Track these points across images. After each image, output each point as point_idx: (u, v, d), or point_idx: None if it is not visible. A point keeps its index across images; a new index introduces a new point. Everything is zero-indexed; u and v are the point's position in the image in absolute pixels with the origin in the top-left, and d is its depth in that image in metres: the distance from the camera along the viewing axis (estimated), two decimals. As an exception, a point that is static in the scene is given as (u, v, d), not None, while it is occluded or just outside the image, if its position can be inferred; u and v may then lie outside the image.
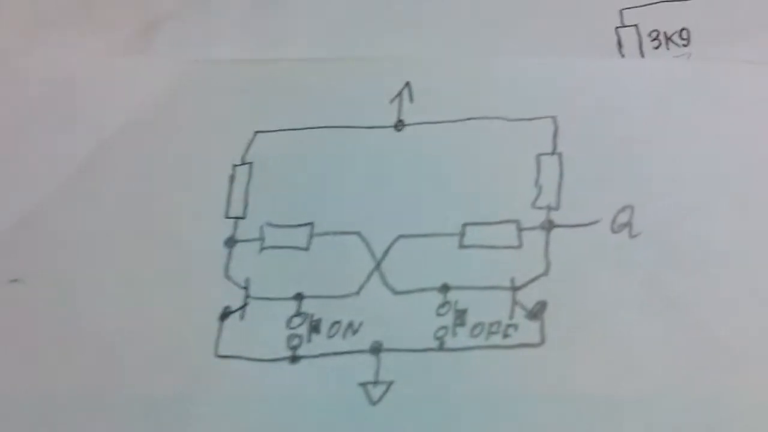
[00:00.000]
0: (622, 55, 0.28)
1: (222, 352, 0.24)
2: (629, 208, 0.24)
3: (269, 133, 0.27)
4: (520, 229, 0.25)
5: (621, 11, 0.29)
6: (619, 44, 0.29)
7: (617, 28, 0.29)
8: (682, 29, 0.29)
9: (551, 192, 0.25)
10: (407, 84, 0.27)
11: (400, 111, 0.27)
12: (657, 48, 0.28)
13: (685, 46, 0.29)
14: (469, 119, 0.26)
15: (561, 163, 0.25)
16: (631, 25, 0.29)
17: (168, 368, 0.24)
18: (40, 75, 0.29)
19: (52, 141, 0.28)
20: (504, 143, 0.26)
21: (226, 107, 0.28)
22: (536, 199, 0.25)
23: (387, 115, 0.27)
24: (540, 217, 0.25)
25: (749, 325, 0.23)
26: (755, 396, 0.22)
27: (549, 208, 0.25)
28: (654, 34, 0.29)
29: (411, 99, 0.27)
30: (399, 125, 0.27)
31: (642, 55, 0.28)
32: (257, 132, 0.27)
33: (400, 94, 0.27)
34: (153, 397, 0.24)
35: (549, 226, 0.25)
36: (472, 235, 0.25)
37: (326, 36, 0.29)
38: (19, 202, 0.27)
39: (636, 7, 0.29)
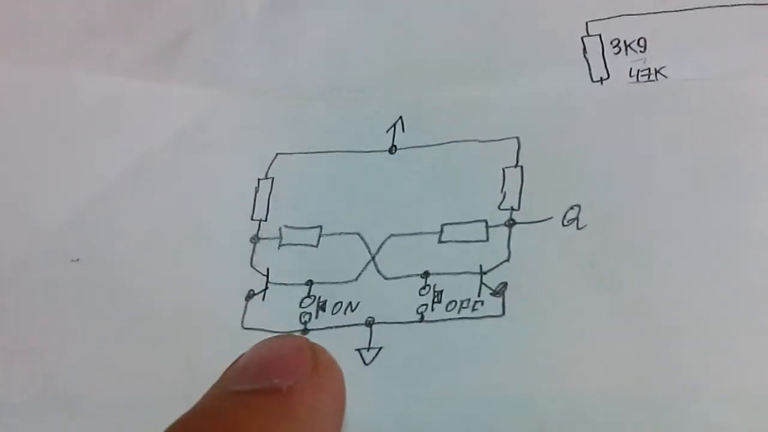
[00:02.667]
0: (587, 59, 0.32)
1: (247, 325, 0.29)
2: (577, 206, 0.28)
3: (288, 155, 0.32)
4: (487, 227, 0.29)
5: (587, 23, 0.33)
6: (584, 51, 0.32)
7: (583, 37, 0.33)
8: (640, 38, 0.32)
9: (514, 197, 0.29)
10: (400, 117, 0.32)
11: (394, 138, 0.31)
12: (617, 54, 0.32)
13: (642, 52, 0.32)
14: (449, 142, 0.31)
15: (522, 174, 0.29)
16: (595, 35, 0.33)
17: (204, 337, 0.28)
18: (89, 90, 0.34)
19: (102, 149, 0.33)
20: (476, 160, 0.30)
21: (253, 133, 0.32)
22: (501, 202, 0.29)
23: (383, 142, 0.31)
24: (504, 216, 0.29)
25: (680, 303, 0.26)
26: (685, 368, 0.25)
27: (512, 209, 0.29)
28: (615, 42, 0.32)
29: (403, 129, 0.31)
30: (392, 149, 0.31)
31: (604, 60, 0.32)
32: (278, 153, 0.32)
33: (394, 126, 0.32)
34: (191, 360, 0.28)
35: (511, 223, 0.29)
36: (449, 232, 0.29)
37: (331, 71, 0.34)
38: (76, 198, 0.31)
39: (600, 19, 0.33)
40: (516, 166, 0.30)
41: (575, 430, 0.25)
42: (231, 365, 0.23)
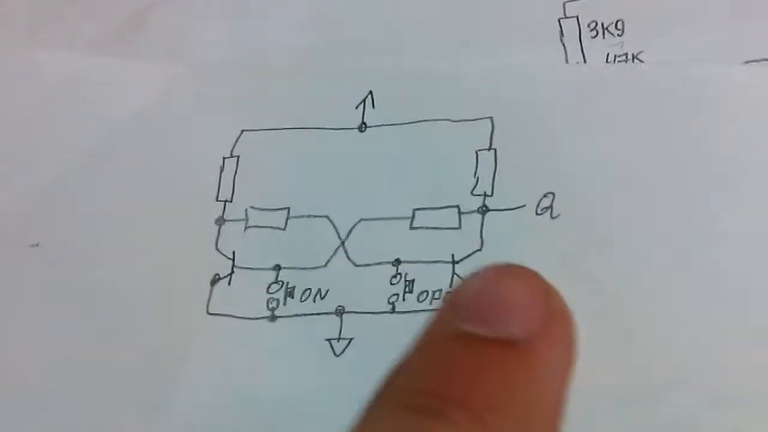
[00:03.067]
0: (563, 44, 0.31)
1: (212, 311, 0.28)
2: (551, 194, 0.28)
3: (254, 132, 0.31)
4: (460, 213, 0.28)
5: (564, 4, 0.32)
6: (561, 34, 0.31)
7: (560, 19, 0.32)
8: (618, 20, 0.31)
9: (487, 182, 0.28)
10: (370, 93, 0.31)
11: (363, 115, 0.30)
12: (594, 37, 0.31)
13: (619, 35, 0.31)
14: (420, 121, 0.30)
15: (496, 158, 0.29)
16: (572, 17, 0.32)
17: (168, 322, 0.28)
18: (51, 69, 0.33)
19: (64, 129, 0.32)
20: (449, 141, 0.29)
21: (217, 109, 0.31)
22: (474, 187, 0.28)
23: (353, 119, 0.31)
24: (477, 203, 0.28)
25: (651, 296, 0.26)
26: (655, 363, 0.25)
27: (485, 195, 0.28)
28: (592, 25, 0.31)
29: (373, 105, 0.31)
30: (362, 127, 0.30)
31: (581, 44, 0.31)
32: (243, 130, 0.31)
33: (363, 101, 0.31)
34: (156, 344, 0.28)
35: (484, 210, 0.28)
36: (421, 218, 0.28)
37: (302, 43, 0.32)
38: (37, 180, 0.31)
39: (577, 0, 0.32)
40: (489, 149, 0.29)
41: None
42: (455, 291, 0.21)
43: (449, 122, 0.30)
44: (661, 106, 0.28)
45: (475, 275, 0.21)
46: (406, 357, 0.21)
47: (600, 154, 0.28)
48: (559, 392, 0.20)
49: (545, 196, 0.28)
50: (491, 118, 0.29)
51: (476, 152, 0.29)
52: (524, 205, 0.28)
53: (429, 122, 0.30)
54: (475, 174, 0.29)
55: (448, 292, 0.22)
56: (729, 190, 0.27)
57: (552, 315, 0.20)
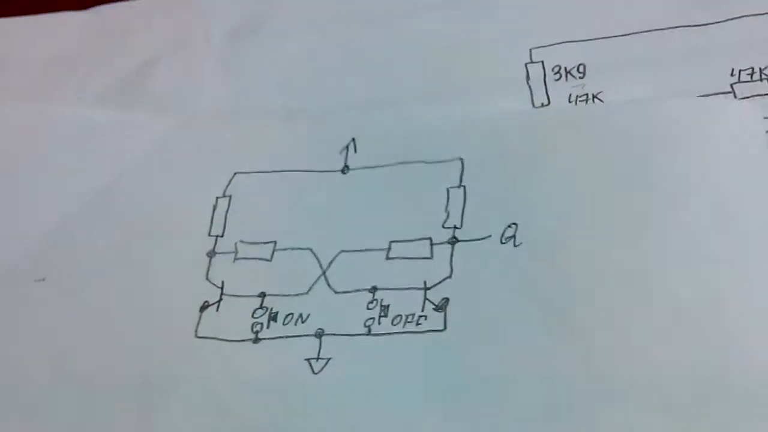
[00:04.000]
0: (529, 86, 0.33)
1: (200, 334, 0.30)
2: (514, 225, 0.30)
3: (245, 174, 0.33)
4: (432, 244, 0.30)
5: (530, 50, 0.35)
6: (528, 77, 0.34)
7: (527, 64, 0.34)
8: (580, 65, 0.34)
9: (457, 215, 0.31)
10: (353, 139, 0.33)
11: (346, 159, 0.33)
12: (558, 80, 0.34)
13: (581, 78, 0.33)
14: (398, 164, 0.32)
15: (465, 194, 0.31)
16: (538, 62, 0.34)
17: (160, 344, 0.30)
18: (61, 120, 0.36)
19: (72, 174, 0.34)
20: (423, 180, 0.32)
21: (213, 154, 0.34)
22: (445, 221, 0.31)
23: (336, 162, 0.33)
24: (448, 234, 0.30)
25: (605, 315, 0.28)
26: (608, 377, 0.27)
27: (454, 228, 0.30)
28: (556, 69, 0.34)
29: (355, 150, 0.33)
30: (345, 170, 0.33)
31: (545, 86, 0.33)
32: (236, 173, 0.33)
33: (347, 147, 0.33)
34: (147, 365, 0.29)
35: (454, 241, 0.30)
36: (396, 249, 0.31)
37: (291, 95, 0.35)
38: (45, 221, 0.33)
39: (542, 46, 0.35)
40: (459, 186, 0.31)
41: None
42: None
43: (424, 164, 0.32)
44: (615, 141, 0.31)
45: None
46: None
47: (559, 187, 0.30)
48: None
49: (509, 226, 0.30)
50: (461, 159, 0.32)
51: (447, 189, 0.31)
52: (490, 235, 0.30)
53: (405, 164, 0.32)
54: (446, 209, 0.31)
55: None
56: (674, 214, 0.29)
57: None
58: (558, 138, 0.31)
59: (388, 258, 0.31)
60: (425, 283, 0.30)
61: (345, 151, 0.33)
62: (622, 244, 0.29)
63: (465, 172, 0.32)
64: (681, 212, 0.29)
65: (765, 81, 0.32)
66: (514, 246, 0.30)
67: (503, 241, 0.30)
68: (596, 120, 0.31)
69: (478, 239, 0.30)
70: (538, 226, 0.30)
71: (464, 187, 0.31)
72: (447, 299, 0.29)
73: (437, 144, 0.32)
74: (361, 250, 0.31)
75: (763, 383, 0.26)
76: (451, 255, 0.30)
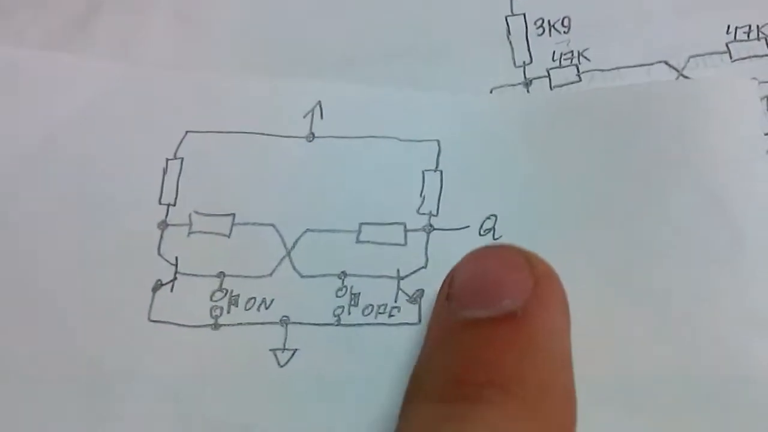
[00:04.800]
0: (510, 42, 0.31)
1: (154, 318, 0.27)
2: (494, 216, 0.29)
3: (199, 134, 0.30)
4: (406, 231, 0.29)
5: (511, 1, 0.32)
6: (508, 31, 0.32)
7: (507, 17, 0.32)
8: (564, 17, 0.32)
9: (433, 202, 0.29)
10: (319, 103, 0.31)
11: (311, 125, 0.30)
12: (540, 35, 0.32)
13: (565, 33, 0.32)
14: (368, 137, 0.30)
15: (442, 179, 0.29)
16: (519, 14, 0.32)
17: (108, 329, 0.27)
18: None
19: (5, 126, 0.30)
20: (396, 159, 0.30)
21: (161, 109, 0.30)
22: (420, 206, 0.29)
23: (301, 128, 0.30)
24: (423, 221, 0.29)
25: (590, 313, 0.26)
26: (593, 375, 0.25)
27: (430, 215, 0.29)
28: (539, 22, 0.32)
29: (321, 116, 0.30)
30: (310, 137, 0.30)
31: (527, 42, 0.31)
32: (188, 131, 0.30)
33: (312, 111, 0.31)
34: (96, 353, 0.27)
35: (429, 229, 0.29)
36: (367, 232, 0.29)
37: (251, 50, 0.32)
38: None
39: None
40: (436, 170, 0.30)
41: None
42: (446, 284, 0.22)
43: (397, 140, 0.30)
44: (599, 129, 0.29)
45: (461, 264, 0.23)
46: (423, 358, 0.22)
47: (541, 178, 0.29)
48: (560, 347, 0.22)
49: (488, 218, 0.29)
50: (438, 141, 0.30)
51: (423, 172, 0.29)
52: (468, 226, 0.29)
53: (377, 138, 0.30)
54: (421, 193, 0.29)
55: (442, 285, 0.23)
56: (664, 206, 0.28)
57: (539, 280, 0.22)
58: (543, 126, 0.30)
59: (358, 241, 0.29)
60: (398, 271, 0.28)
61: (310, 115, 0.31)
62: (610, 241, 0.28)
63: (441, 156, 0.30)
64: (672, 203, 0.28)
65: (762, 41, 0.31)
66: (494, 239, 0.28)
67: (482, 233, 0.28)
68: (583, 107, 0.30)
69: (456, 229, 0.29)
70: (518, 218, 0.29)
71: (441, 171, 0.29)
72: (422, 291, 0.28)
73: (413, 122, 0.30)
74: (328, 230, 0.29)
75: (758, 382, 0.26)
76: (426, 243, 0.28)
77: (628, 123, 0.29)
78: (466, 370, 0.21)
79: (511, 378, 0.21)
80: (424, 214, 0.29)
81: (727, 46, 0.31)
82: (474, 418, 0.20)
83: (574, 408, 0.22)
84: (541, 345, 0.21)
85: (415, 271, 0.28)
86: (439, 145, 0.30)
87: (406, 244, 0.29)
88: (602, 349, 0.27)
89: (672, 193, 0.28)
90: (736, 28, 0.31)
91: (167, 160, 0.30)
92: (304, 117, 0.30)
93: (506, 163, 0.29)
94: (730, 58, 0.31)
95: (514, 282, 0.22)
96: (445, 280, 0.23)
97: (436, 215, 0.29)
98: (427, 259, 0.28)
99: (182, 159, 0.30)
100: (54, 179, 0.29)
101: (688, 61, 0.31)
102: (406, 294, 0.28)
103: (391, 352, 0.27)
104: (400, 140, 0.30)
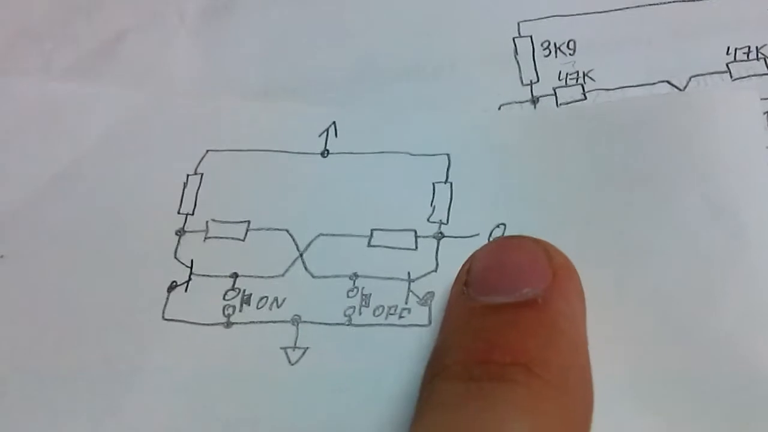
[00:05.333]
0: (517, 62, 0.33)
1: (168, 316, 0.28)
2: (502, 225, 0.29)
3: (218, 152, 0.31)
4: (417, 237, 0.29)
5: (518, 23, 0.34)
6: (516, 52, 0.33)
7: (514, 38, 0.33)
8: (570, 40, 0.33)
9: (443, 211, 0.30)
10: (333, 123, 0.32)
11: (326, 143, 0.32)
12: (547, 56, 0.33)
13: (571, 55, 0.33)
14: (381, 152, 0.31)
15: (451, 190, 0.30)
16: (526, 36, 0.33)
17: (124, 327, 0.28)
18: (26, 93, 0.33)
19: (36, 149, 0.32)
20: (408, 172, 0.30)
21: (183, 131, 0.32)
22: (431, 215, 0.30)
23: (316, 145, 0.31)
24: (433, 229, 0.29)
25: (596, 314, 0.25)
26: (597, 374, 0.25)
27: (440, 223, 0.29)
28: (545, 44, 0.33)
29: (336, 134, 0.32)
30: (325, 153, 0.31)
31: (534, 62, 0.32)
32: (208, 150, 0.31)
33: (327, 130, 0.32)
34: (112, 351, 0.27)
35: (440, 236, 0.29)
36: (378, 237, 0.29)
37: (270, 74, 0.34)
38: (6, 196, 0.31)
39: (531, 20, 0.34)
40: (446, 182, 0.30)
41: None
42: (463, 272, 0.23)
43: (408, 155, 0.31)
44: (603, 141, 0.30)
45: (479, 253, 0.23)
46: (443, 339, 0.22)
47: (548, 188, 0.30)
48: (578, 332, 0.23)
49: (497, 226, 0.29)
50: (448, 155, 0.31)
51: (433, 184, 0.30)
52: (478, 234, 0.29)
53: (389, 154, 0.31)
54: (431, 203, 0.30)
55: (459, 273, 0.24)
56: (667, 213, 0.28)
57: (557, 270, 0.22)
58: (549, 138, 0.31)
59: (370, 245, 0.29)
60: (409, 274, 0.28)
61: (325, 134, 0.32)
62: (613, 246, 0.28)
63: (451, 169, 0.31)
64: (677, 211, 0.28)
65: (762, 60, 0.32)
66: None
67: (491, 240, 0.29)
68: (588, 120, 0.31)
69: (466, 237, 0.29)
70: (527, 227, 0.28)
71: (451, 183, 0.30)
72: (432, 293, 0.28)
73: (423, 138, 0.31)
74: (341, 235, 0.29)
75: (759, 381, 0.25)
76: (437, 249, 0.29)
77: (632, 134, 0.30)
78: (491, 350, 0.21)
79: (535, 359, 0.21)
80: (434, 222, 0.29)
81: (727, 66, 0.32)
82: (500, 396, 0.20)
83: (592, 390, 0.22)
84: (562, 330, 0.22)
85: (425, 275, 0.28)
86: (449, 158, 0.31)
87: (416, 248, 0.29)
88: (608, 349, 0.26)
89: (676, 200, 0.28)
90: (736, 49, 0.32)
91: (188, 175, 0.31)
92: (319, 136, 0.32)
93: (514, 174, 0.30)
94: (731, 77, 0.32)
95: (534, 271, 0.22)
96: (462, 268, 0.24)
97: (446, 224, 0.29)
98: (437, 264, 0.29)
99: (202, 174, 0.31)
100: (80, 195, 0.31)
101: (690, 80, 0.32)
102: (417, 296, 0.28)
103: (400, 352, 0.27)
104: (412, 155, 0.31)
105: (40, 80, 0.34)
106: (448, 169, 0.31)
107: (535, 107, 0.32)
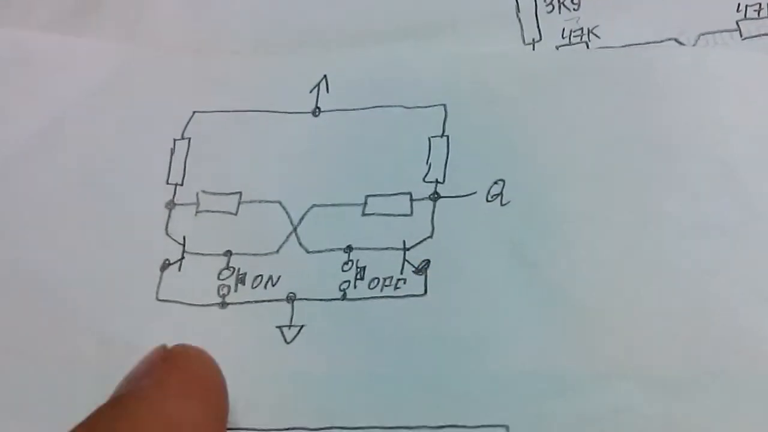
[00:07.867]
0: (519, 19, 0.31)
1: (161, 297, 0.28)
2: (501, 181, 0.28)
3: (206, 113, 0.30)
4: (412, 200, 0.28)
5: None
6: (518, 9, 0.31)
7: None
8: None
9: (439, 169, 0.29)
10: (324, 77, 0.30)
11: (317, 99, 0.30)
12: (550, 12, 0.31)
13: (575, 10, 0.31)
14: (374, 107, 0.30)
15: (448, 145, 0.29)
16: None
17: (116, 309, 0.28)
18: (2, 46, 0.32)
19: (13, 107, 0.31)
20: (402, 127, 0.29)
21: (169, 90, 0.31)
22: (426, 174, 0.28)
23: (306, 103, 0.30)
24: (429, 189, 0.28)
25: (597, 283, 0.26)
26: (599, 349, 0.26)
27: (436, 182, 0.28)
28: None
29: (327, 90, 0.30)
30: (316, 111, 0.30)
31: (536, 19, 0.31)
32: (195, 112, 0.30)
33: (318, 85, 0.30)
34: (104, 332, 0.27)
35: (436, 197, 0.28)
36: (373, 205, 0.28)
37: (257, 28, 0.32)
38: None
39: None
40: (442, 135, 0.29)
41: (492, 409, 0.25)
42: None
43: (403, 108, 0.30)
44: (609, 92, 0.29)
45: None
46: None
47: (550, 141, 0.28)
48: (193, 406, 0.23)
49: (496, 183, 0.28)
50: (444, 105, 0.29)
51: (429, 138, 0.29)
52: (475, 192, 0.28)
53: (383, 108, 0.30)
54: (427, 161, 0.29)
55: None
56: (675, 175, 0.27)
57: (167, 358, 0.24)
58: (552, 86, 0.29)
59: (364, 214, 0.28)
60: (404, 242, 0.28)
61: (316, 90, 0.30)
62: (619, 208, 0.27)
63: (448, 120, 0.29)
64: (683, 171, 0.27)
65: None
66: (501, 205, 0.28)
67: (489, 198, 0.28)
68: (588, 68, 0.29)
69: (462, 196, 0.28)
70: (527, 183, 0.28)
71: (447, 137, 0.29)
72: (428, 261, 0.27)
73: (418, 87, 0.30)
74: (334, 204, 0.29)
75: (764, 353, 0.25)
76: (433, 212, 0.28)
77: (638, 86, 0.29)
78: None
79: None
80: (430, 182, 0.28)
81: (737, 23, 0.30)
82: None
83: None
84: (162, 410, 0.23)
85: (420, 242, 0.28)
86: (445, 109, 0.29)
87: (411, 214, 0.28)
88: (610, 316, 0.26)
89: (683, 159, 0.27)
90: (747, 6, 0.30)
91: (175, 140, 0.30)
92: (311, 92, 0.30)
93: (513, 125, 0.29)
94: (741, 35, 0.30)
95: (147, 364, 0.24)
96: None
97: (443, 183, 0.28)
98: (432, 229, 0.28)
99: (189, 139, 0.30)
100: (61, 159, 0.30)
101: (699, 38, 0.30)
102: (412, 265, 0.27)
103: (396, 324, 0.27)
104: (406, 108, 0.30)
105: (17, 32, 0.32)
106: (444, 121, 0.29)
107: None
